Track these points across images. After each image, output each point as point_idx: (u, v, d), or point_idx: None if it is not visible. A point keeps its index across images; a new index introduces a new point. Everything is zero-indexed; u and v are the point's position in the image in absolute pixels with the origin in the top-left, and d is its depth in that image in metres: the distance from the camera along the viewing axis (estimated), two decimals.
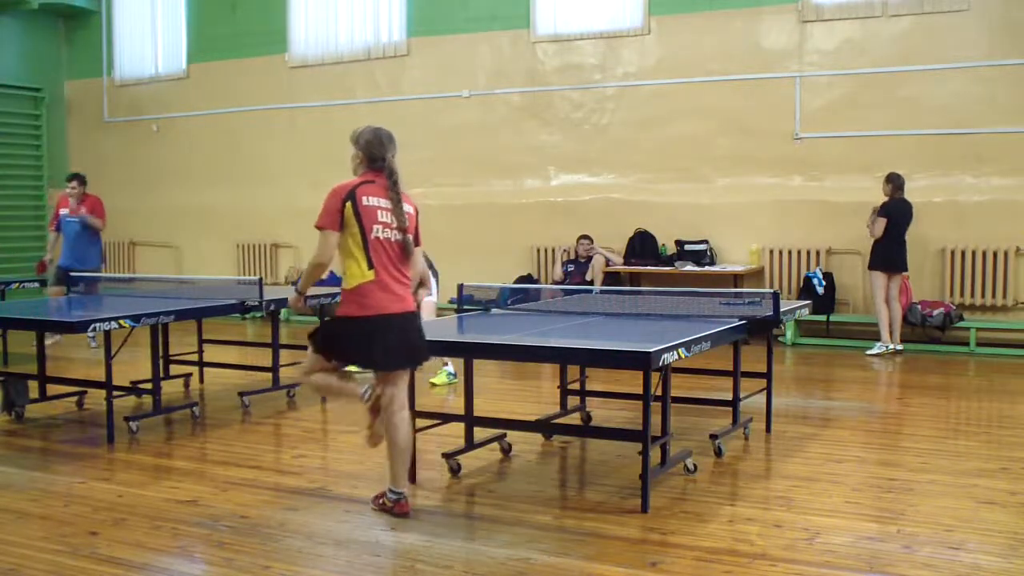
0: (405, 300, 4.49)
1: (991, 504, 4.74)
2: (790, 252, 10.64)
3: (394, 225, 4.44)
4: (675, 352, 4.55)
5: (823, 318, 10.16)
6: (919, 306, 9.82)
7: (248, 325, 12.16)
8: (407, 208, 4.49)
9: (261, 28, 13.35)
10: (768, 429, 6.27)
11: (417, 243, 4.57)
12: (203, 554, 4.17)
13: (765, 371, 6.31)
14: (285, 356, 7.74)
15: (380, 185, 4.46)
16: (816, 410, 7.25)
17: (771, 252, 10.73)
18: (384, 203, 4.44)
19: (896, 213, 9.39)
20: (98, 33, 14.71)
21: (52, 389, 7.25)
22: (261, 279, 7.53)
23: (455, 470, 5.31)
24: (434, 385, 7.87)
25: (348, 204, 4.39)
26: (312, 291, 7.91)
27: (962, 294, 9.94)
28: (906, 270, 9.58)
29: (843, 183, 10.38)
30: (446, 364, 8.04)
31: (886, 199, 9.44)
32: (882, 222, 9.37)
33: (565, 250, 11.32)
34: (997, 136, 9.70)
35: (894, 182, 9.43)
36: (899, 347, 9.55)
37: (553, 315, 6.09)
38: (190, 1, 13.95)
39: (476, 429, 5.57)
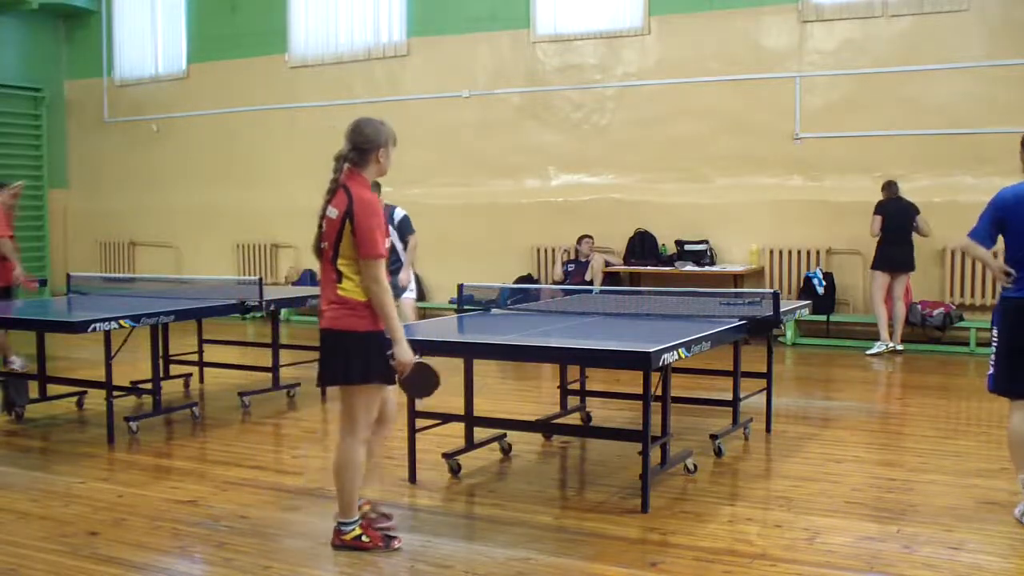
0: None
1: (991, 504, 4.74)
2: (790, 252, 10.64)
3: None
4: (675, 352, 4.55)
5: (823, 318, 10.17)
6: (919, 306, 9.83)
7: (248, 325, 12.16)
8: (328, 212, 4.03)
9: (261, 28, 13.35)
10: (768, 429, 6.27)
11: (363, 253, 3.94)
12: (203, 554, 4.17)
13: (765, 371, 6.31)
14: (285, 356, 7.75)
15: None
16: (816, 410, 7.25)
17: (771, 252, 10.72)
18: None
19: (889, 211, 9.46)
20: (98, 33, 14.72)
21: (52, 389, 7.25)
22: (261, 279, 7.53)
23: (455, 470, 5.31)
24: None
25: None
26: (312, 291, 7.82)
27: (962, 294, 9.95)
28: (910, 269, 9.56)
29: (843, 183, 10.39)
30: None
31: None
32: (876, 219, 9.46)
33: (565, 250, 11.32)
34: (997, 136, 9.68)
35: (887, 188, 9.61)
36: (899, 347, 9.55)
37: (553, 315, 6.09)
38: (190, 1, 13.95)
39: (476, 429, 5.57)
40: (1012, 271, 4.58)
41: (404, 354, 3.96)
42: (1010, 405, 4.57)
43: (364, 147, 4.03)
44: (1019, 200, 4.53)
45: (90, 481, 5.29)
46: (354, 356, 4.00)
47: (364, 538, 4.13)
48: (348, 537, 4.13)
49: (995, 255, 4.77)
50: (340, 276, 4.00)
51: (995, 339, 4.61)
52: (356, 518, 4.16)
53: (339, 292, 4.01)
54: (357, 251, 3.94)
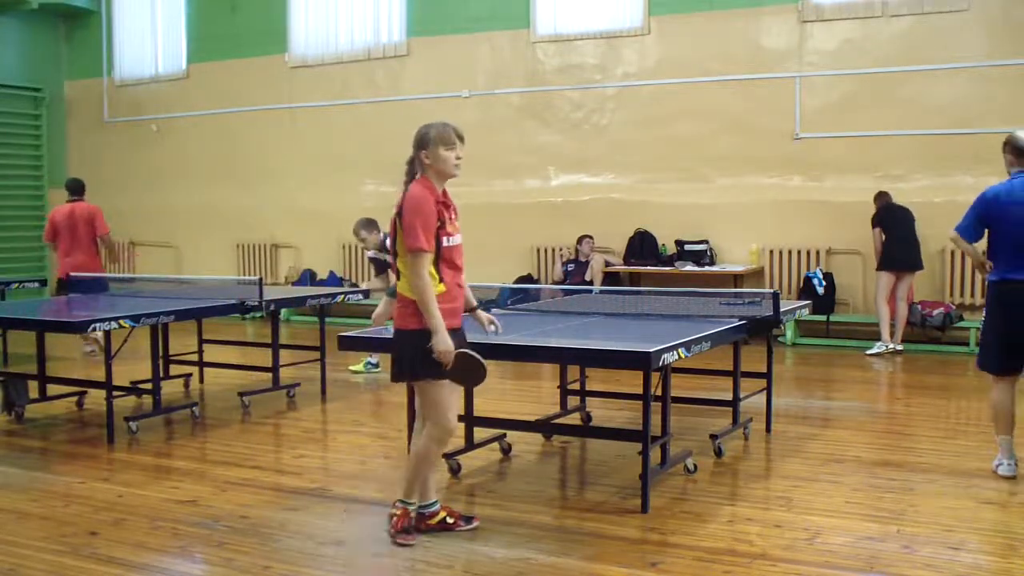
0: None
1: (991, 504, 4.75)
2: (790, 252, 10.64)
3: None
4: (675, 352, 4.55)
5: (823, 318, 10.17)
6: (919, 306, 9.83)
7: (248, 325, 12.16)
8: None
9: (261, 28, 13.36)
10: (768, 429, 6.27)
11: (405, 247, 4.05)
12: (203, 554, 4.17)
13: (765, 371, 6.31)
14: (285, 356, 7.74)
15: None
16: (816, 410, 7.25)
17: (771, 252, 10.73)
18: None
19: (887, 217, 9.54)
20: (98, 33, 14.72)
21: (52, 389, 7.25)
22: (261, 279, 7.52)
23: (455, 470, 5.31)
24: (355, 372, 8.51)
25: None
26: (312, 291, 7.85)
27: (962, 294, 9.95)
28: (916, 268, 9.55)
29: (843, 183, 10.39)
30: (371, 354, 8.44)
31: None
32: (877, 233, 9.56)
33: (564, 248, 11.29)
34: (997, 136, 9.58)
35: (879, 197, 9.70)
36: (899, 347, 9.55)
37: (553, 315, 6.09)
38: (190, 1, 13.95)
39: (476, 429, 5.57)
40: (989, 262, 5.21)
41: (439, 344, 3.98)
42: (993, 380, 5.21)
43: (415, 149, 4.15)
44: (998, 199, 5.16)
45: (90, 481, 5.29)
46: (405, 353, 4.11)
47: (395, 518, 4.25)
48: (394, 510, 4.26)
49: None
50: (399, 274, 4.15)
51: (983, 320, 5.26)
52: (411, 501, 4.28)
53: (399, 290, 4.15)
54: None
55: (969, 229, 5.31)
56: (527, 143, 11.88)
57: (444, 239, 4.09)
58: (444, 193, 4.20)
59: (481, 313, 4.48)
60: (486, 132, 11.96)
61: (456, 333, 4.13)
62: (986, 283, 5.34)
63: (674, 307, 6.19)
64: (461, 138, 4.16)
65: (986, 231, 5.28)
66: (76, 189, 9.56)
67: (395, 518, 4.26)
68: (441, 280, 4.09)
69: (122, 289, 8.78)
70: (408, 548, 4.16)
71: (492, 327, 4.46)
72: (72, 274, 9.00)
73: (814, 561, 3.97)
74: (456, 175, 4.16)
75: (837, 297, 10.37)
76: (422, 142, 4.13)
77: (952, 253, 9.91)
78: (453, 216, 4.20)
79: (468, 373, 4.10)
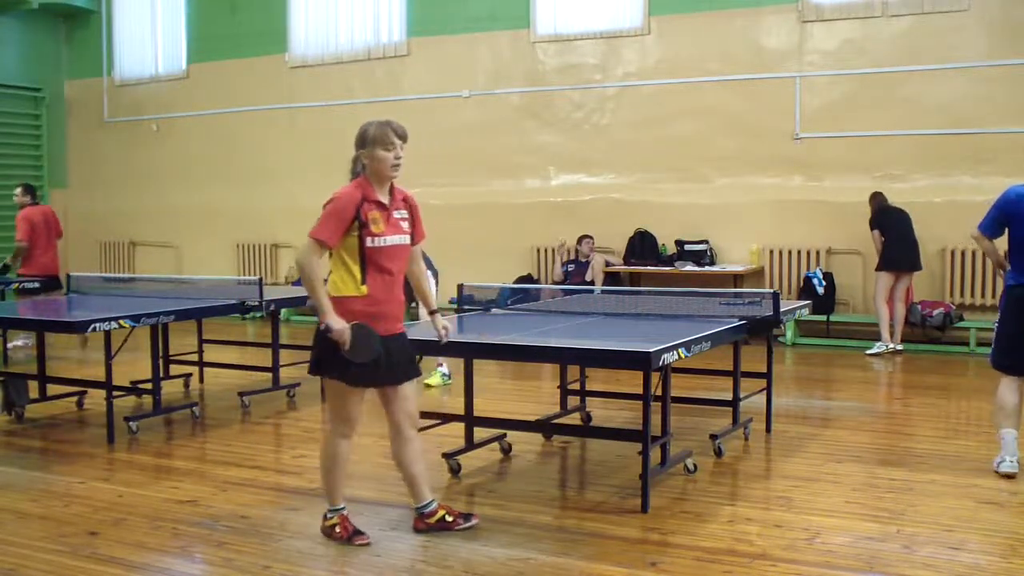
0: None
1: (991, 504, 4.75)
2: (790, 252, 10.64)
3: None
4: (675, 352, 4.55)
5: (823, 318, 10.17)
6: (919, 306, 9.83)
7: (248, 325, 12.16)
8: None
9: (261, 28, 13.36)
10: (768, 429, 6.27)
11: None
12: (203, 554, 4.17)
13: (765, 371, 6.31)
14: (285, 356, 7.74)
15: None
16: (816, 410, 7.25)
17: (771, 252, 10.73)
18: None
19: (885, 218, 9.54)
20: (98, 33, 14.72)
21: (52, 389, 7.25)
22: (261, 279, 7.53)
23: (455, 470, 5.31)
24: (429, 386, 7.84)
25: None
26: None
27: (962, 294, 9.95)
28: (915, 269, 9.56)
29: (843, 183, 10.39)
30: (440, 365, 8.03)
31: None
32: (875, 235, 9.57)
33: (563, 244, 11.25)
34: (997, 136, 9.69)
35: (875, 198, 9.72)
36: (899, 347, 9.55)
37: (553, 315, 6.09)
38: (190, 1, 13.96)
39: (476, 429, 5.57)
40: (1007, 264, 5.21)
41: (333, 323, 3.89)
42: (1001, 377, 5.26)
43: (356, 148, 4.08)
44: (1021, 199, 5.07)
45: (90, 481, 5.29)
46: (314, 347, 4.10)
47: (337, 528, 4.23)
48: (327, 523, 4.28)
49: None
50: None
51: (997, 321, 5.29)
52: (339, 507, 4.26)
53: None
54: None
55: (991, 227, 5.25)
56: (527, 143, 11.87)
57: (368, 239, 3.97)
58: (392, 192, 4.11)
59: (437, 318, 4.45)
60: (486, 132, 11.98)
61: (393, 339, 4.09)
62: (1004, 285, 5.33)
63: (674, 307, 6.19)
64: (402, 137, 4.03)
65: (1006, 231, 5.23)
66: (35, 192, 10.38)
67: (336, 528, 4.22)
68: (364, 282, 3.99)
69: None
70: (404, 548, 4.16)
71: (444, 331, 4.42)
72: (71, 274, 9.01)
73: (814, 561, 3.97)
74: (393, 176, 4.07)
75: (837, 297, 10.37)
76: (361, 141, 4.04)
77: (952, 253, 9.92)
78: (396, 216, 4.08)
79: (366, 344, 3.96)
